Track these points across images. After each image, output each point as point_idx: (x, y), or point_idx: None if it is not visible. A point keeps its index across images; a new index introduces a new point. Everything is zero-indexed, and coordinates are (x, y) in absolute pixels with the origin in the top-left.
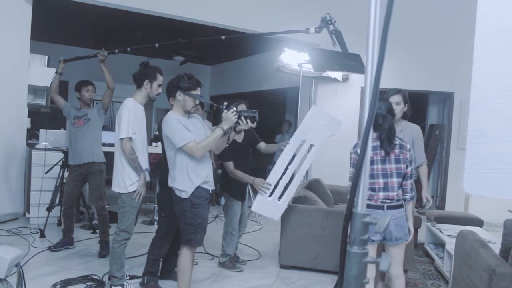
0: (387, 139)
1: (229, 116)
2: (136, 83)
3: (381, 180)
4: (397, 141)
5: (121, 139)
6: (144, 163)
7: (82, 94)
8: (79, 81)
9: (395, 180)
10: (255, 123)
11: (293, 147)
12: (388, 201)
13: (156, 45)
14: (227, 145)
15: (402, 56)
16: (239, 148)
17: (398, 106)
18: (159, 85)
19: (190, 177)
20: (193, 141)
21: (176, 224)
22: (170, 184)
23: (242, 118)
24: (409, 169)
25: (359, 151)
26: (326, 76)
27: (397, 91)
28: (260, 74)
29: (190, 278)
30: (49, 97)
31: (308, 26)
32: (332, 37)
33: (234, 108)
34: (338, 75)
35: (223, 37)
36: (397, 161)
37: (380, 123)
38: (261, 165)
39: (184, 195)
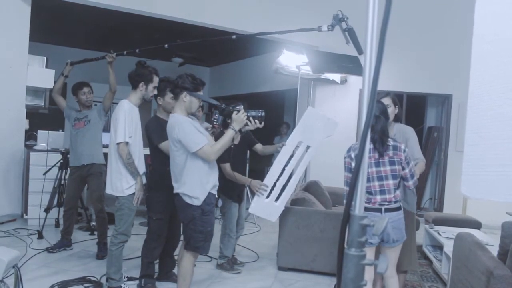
0: (379, 140)
1: (240, 117)
2: (131, 83)
3: (376, 183)
4: (390, 143)
5: (118, 143)
6: (141, 167)
7: (79, 97)
8: (74, 85)
9: (390, 182)
10: (263, 123)
11: (290, 149)
12: (386, 203)
13: (166, 45)
14: (232, 147)
15: (400, 58)
16: (236, 150)
17: (389, 108)
18: (155, 87)
19: (202, 182)
20: (207, 144)
21: (169, 226)
22: (177, 190)
23: (251, 118)
24: (406, 170)
25: (353, 155)
26: (324, 78)
27: (386, 94)
28: (259, 76)
29: (190, 283)
30: (48, 98)
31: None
32: (345, 34)
33: (243, 109)
34: (336, 77)
35: (233, 36)
36: (392, 163)
37: (372, 123)
38: (260, 167)
39: (196, 202)
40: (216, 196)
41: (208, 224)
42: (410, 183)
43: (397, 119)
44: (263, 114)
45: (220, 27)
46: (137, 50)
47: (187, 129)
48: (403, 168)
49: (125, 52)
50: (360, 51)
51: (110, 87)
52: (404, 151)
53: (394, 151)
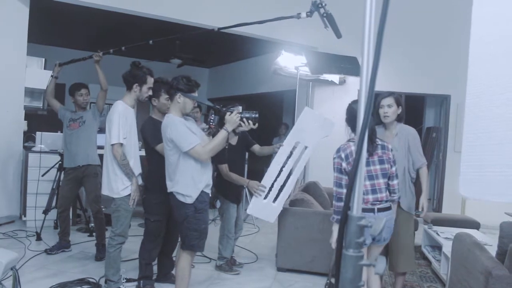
0: (368, 139)
1: (234, 118)
2: (125, 84)
3: (367, 183)
4: (378, 142)
5: (112, 145)
6: (136, 168)
7: (76, 98)
8: (72, 85)
9: (381, 181)
10: (256, 124)
11: (287, 149)
12: (378, 203)
13: (151, 41)
14: (226, 147)
15: (398, 59)
16: (234, 151)
17: (391, 108)
18: (149, 88)
19: (195, 181)
20: (199, 144)
21: (166, 228)
22: (170, 189)
23: (244, 119)
24: (393, 168)
25: (342, 155)
26: (323, 79)
27: (389, 94)
28: (258, 76)
29: (188, 283)
30: (46, 100)
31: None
32: (324, 20)
33: (237, 110)
34: (335, 78)
35: (216, 28)
36: (381, 161)
37: None
38: (259, 167)
39: (189, 200)
40: (210, 195)
41: (202, 222)
42: (395, 182)
43: (399, 119)
44: (256, 115)
45: (216, 27)
46: (123, 48)
47: (179, 129)
48: (390, 167)
49: (111, 51)
50: (338, 35)
51: (101, 86)
52: (392, 150)
53: (383, 150)
